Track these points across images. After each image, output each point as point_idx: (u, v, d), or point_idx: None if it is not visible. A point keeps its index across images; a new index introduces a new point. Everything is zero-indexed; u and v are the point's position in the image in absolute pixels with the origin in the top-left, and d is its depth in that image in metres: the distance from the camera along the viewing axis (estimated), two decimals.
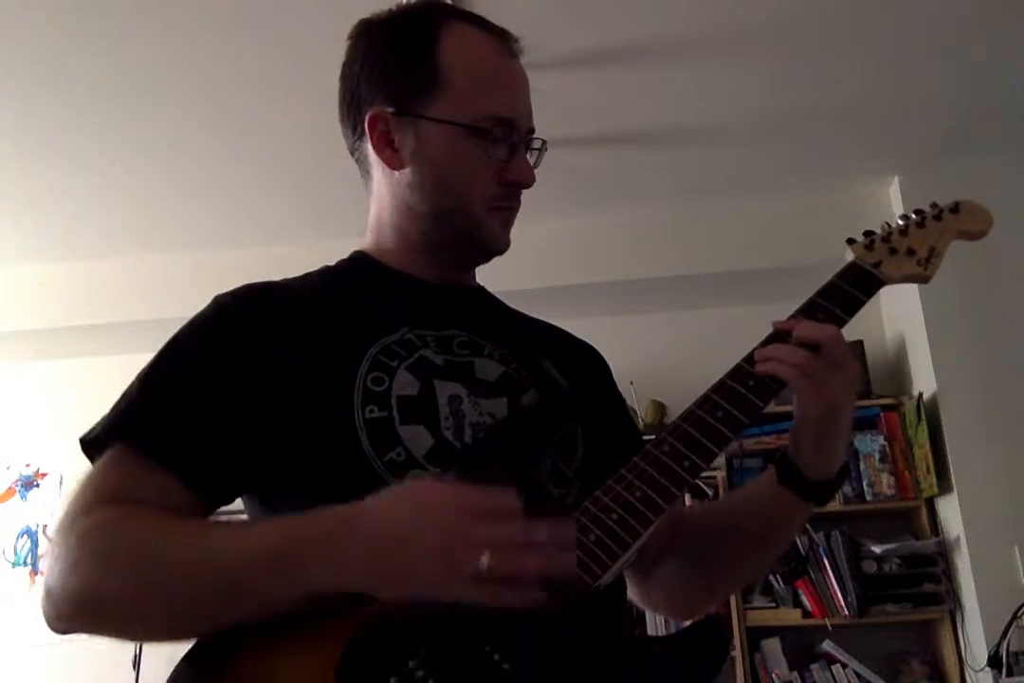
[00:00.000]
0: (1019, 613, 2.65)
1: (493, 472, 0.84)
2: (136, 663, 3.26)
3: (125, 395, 0.88)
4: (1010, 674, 2.58)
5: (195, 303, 0.96)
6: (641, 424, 3.34)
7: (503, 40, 0.97)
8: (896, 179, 3.36)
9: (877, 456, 3.17)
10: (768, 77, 2.80)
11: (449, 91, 0.93)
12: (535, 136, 0.99)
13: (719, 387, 0.88)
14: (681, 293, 3.62)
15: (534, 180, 0.97)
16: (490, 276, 1.12)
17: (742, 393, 0.87)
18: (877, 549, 3.06)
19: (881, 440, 3.18)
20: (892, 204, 3.40)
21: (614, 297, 3.59)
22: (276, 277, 0.99)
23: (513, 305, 1.11)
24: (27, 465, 3.89)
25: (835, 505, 3.08)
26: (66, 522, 0.80)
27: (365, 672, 0.72)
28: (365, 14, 1.01)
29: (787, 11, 2.50)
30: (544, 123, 1.03)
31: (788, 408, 0.91)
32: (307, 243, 3.59)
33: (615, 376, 1.13)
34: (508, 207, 0.98)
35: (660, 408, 3.44)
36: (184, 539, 0.78)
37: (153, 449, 0.83)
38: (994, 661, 2.63)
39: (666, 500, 0.82)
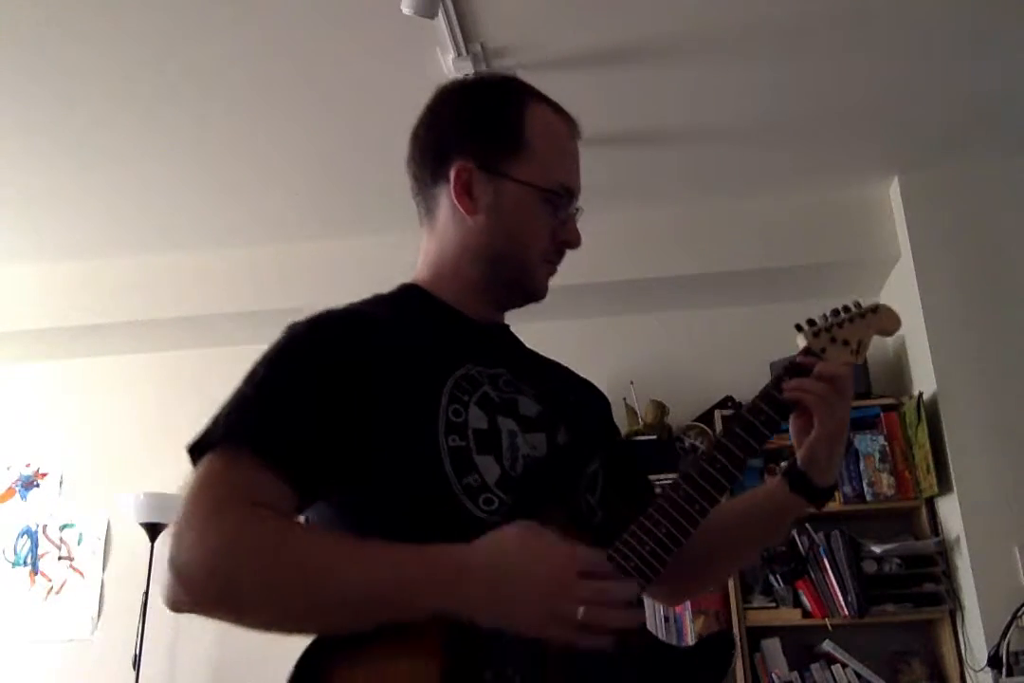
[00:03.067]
0: (1019, 613, 2.65)
1: (548, 505, 0.99)
2: (136, 663, 3.26)
3: (233, 405, 0.97)
4: (1010, 674, 2.58)
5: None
6: (641, 424, 3.34)
7: (571, 122, 1.14)
8: (896, 179, 3.35)
9: (877, 456, 3.16)
10: (769, 78, 2.80)
11: (531, 156, 1.08)
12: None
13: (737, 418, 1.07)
14: (682, 293, 3.62)
15: (581, 243, 1.13)
16: None
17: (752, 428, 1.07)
18: (877, 549, 3.06)
19: (881, 440, 3.17)
20: (892, 204, 3.40)
21: (615, 297, 3.59)
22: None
23: None
24: (27, 465, 3.89)
25: (835, 505, 3.07)
26: (199, 512, 0.89)
27: (464, 664, 0.86)
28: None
29: (788, 12, 2.51)
30: None
31: None
32: (307, 242, 3.60)
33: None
34: (554, 262, 1.13)
35: (660, 408, 3.43)
36: (332, 549, 0.90)
37: (271, 453, 0.92)
38: (994, 661, 2.62)
39: (684, 536, 0.99)
